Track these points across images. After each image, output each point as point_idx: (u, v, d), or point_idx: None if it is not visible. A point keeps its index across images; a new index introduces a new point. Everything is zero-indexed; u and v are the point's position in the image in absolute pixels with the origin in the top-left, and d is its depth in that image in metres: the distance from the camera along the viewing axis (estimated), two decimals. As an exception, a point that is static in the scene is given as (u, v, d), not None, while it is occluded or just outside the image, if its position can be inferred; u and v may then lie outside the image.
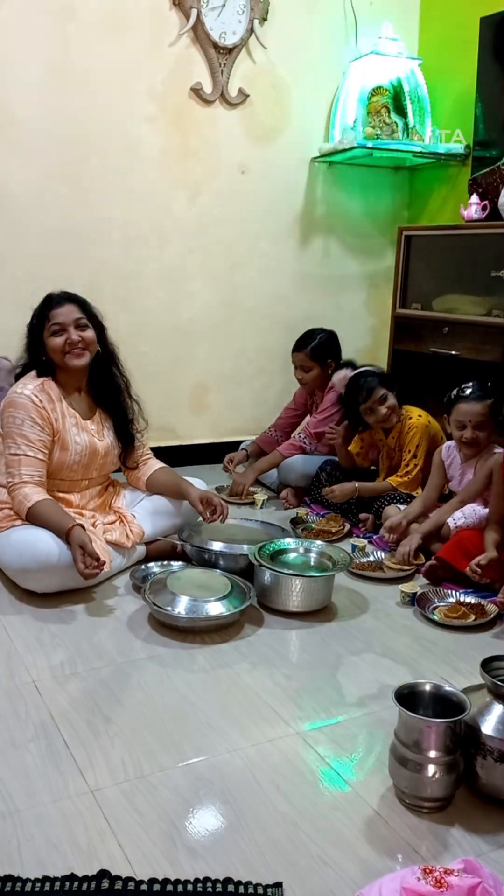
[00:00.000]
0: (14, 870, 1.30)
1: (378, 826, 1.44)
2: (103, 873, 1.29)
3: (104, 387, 2.55)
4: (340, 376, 3.16)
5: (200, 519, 2.58)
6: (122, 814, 1.44)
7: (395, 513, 2.78)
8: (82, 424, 2.49)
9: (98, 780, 1.53)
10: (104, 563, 2.24)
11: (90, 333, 2.43)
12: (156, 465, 2.69)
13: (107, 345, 2.54)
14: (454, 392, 2.70)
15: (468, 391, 2.66)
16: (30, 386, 2.40)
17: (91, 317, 2.47)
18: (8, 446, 2.37)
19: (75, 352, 2.40)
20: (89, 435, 2.50)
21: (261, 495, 3.31)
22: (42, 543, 2.24)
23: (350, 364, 3.23)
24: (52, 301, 2.44)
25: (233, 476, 3.41)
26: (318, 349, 3.29)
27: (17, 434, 2.36)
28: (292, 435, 3.38)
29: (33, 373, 2.46)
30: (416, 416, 2.99)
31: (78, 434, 2.46)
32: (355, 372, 3.10)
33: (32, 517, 2.30)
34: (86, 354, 2.43)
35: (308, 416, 3.55)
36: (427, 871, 1.19)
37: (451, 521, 2.59)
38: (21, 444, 2.35)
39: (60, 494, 2.48)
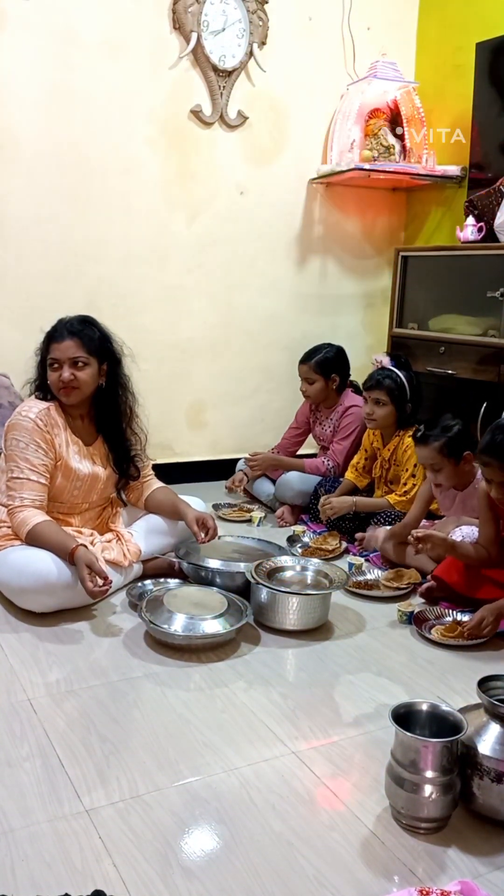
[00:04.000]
0: (8, 890, 1.29)
1: (374, 847, 1.43)
2: (98, 894, 1.28)
3: (106, 417, 2.53)
4: (380, 357, 3.17)
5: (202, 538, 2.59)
6: (117, 833, 1.43)
7: (383, 534, 2.79)
8: (85, 451, 2.49)
9: (93, 799, 1.52)
10: (111, 581, 2.24)
11: (85, 374, 2.39)
12: (156, 484, 2.68)
13: (117, 377, 2.50)
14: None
15: (419, 433, 2.65)
16: (35, 409, 2.40)
17: (98, 351, 2.42)
18: (10, 469, 2.36)
19: (64, 390, 2.39)
20: (91, 462, 2.49)
21: (258, 513, 3.31)
22: (41, 563, 2.24)
23: (395, 356, 3.21)
24: (55, 333, 2.41)
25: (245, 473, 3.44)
26: (323, 363, 3.31)
27: (19, 457, 2.35)
28: (324, 460, 3.37)
29: (40, 395, 2.46)
30: None
31: (80, 462, 2.46)
32: (390, 364, 3.10)
33: (32, 539, 2.29)
34: (75, 393, 2.39)
35: (310, 433, 3.57)
36: (424, 892, 1.19)
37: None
38: (24, 468, 2.35)
39: (60, 516, 2.47)
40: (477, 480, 2.64)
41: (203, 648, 2.14)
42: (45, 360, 2.43)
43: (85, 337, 2.40)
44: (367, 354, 4.13)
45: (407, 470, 2.96)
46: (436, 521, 2.72)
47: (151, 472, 2.70)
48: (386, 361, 3.13)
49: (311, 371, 3.32)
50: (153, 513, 2.65)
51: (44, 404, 2.43)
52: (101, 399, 2.50)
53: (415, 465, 2.94)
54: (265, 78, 3.67)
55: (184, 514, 2.55)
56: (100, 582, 2.19)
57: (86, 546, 2.28)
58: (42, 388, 2.47)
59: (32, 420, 2.37)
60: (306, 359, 3.36)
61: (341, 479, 3.24)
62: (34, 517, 2.31)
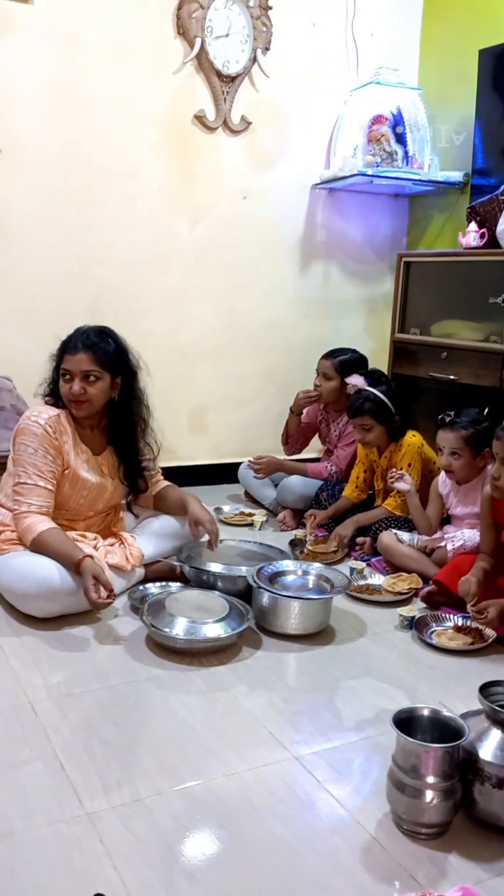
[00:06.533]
0: (9, 894, 1.29)
1: (375, 852, 1.43)
2: (99, 897, 1.28)
3: (118, 430, 2.53)
4: (354, 381, 3.14)
5: (201, 540, 2.59)
6: (119, 837, 1.43)
7: (390, 539, 2.77)
8: (93, 462, 2.48)
9: (94, 802, 1.52)
10: (115, 594, 2.24)
11: (95, 388, 2.38)
12: (163, 483, 2.69)
13: (131, 391, 2.50)
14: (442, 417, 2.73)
15: (448, 419, 2.68)
16: (45, 415, 2.39)
17: (112, 364, 2.41)
18: (18, 474, 2.36)
19: (74, 403, 2.39)
20: (99, 472, 2.49)
21: (259, 517, 3.31)
22: (43, 569, 2.23)
23: (368, 373, 3.19)
24: (69, 344, 2.39)
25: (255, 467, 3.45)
26: (346, 364, 3.30)
27: (28, 462, 2.35)
28: (327, 465, 3.38)
29: (51, 401, 2.46)
30: (410, 436, 3.00)
31: (87, 471, 2.46)
32: (362, 389, 3.07)
33: (38, 546, 2.28)
34: (84, 407, 2.39)
35: (316, 432, 3.57)
36: (425, 897, 1.19)
37: (449, 545, 2.59)
38: (32, 474, 2.34)
39: (65, 522, 2.46)
40: (482, 476, 2.64)
41: (204, 652, 2.14)
42: (59, 369, 2.42)
43: (99, 350, 2.38)
44: (369, 359, 4.13)
45: (401, 468, 2.93)
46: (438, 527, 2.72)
47: (160, 474, 2.71)
48: (360, 382, 3.09)
49: (332, 369, 3.31)
50: (162, 511, 2.65)
51: (54, 411, 2.41)
52: (113, 411, 2.50)
53: (408, 465, 2.94)
54: (269, 83, 3.68)
55: (188, 507, 2.55)
56: (104, 594, 2.18)
57: (91, 557, 2.26)
58: (54, 395, 2.46)
59: (42, 426, 2.36)
60: (330, 356, 3.36)
61: (344, 483, 3.23)
62: (40, 524, 2.30)
